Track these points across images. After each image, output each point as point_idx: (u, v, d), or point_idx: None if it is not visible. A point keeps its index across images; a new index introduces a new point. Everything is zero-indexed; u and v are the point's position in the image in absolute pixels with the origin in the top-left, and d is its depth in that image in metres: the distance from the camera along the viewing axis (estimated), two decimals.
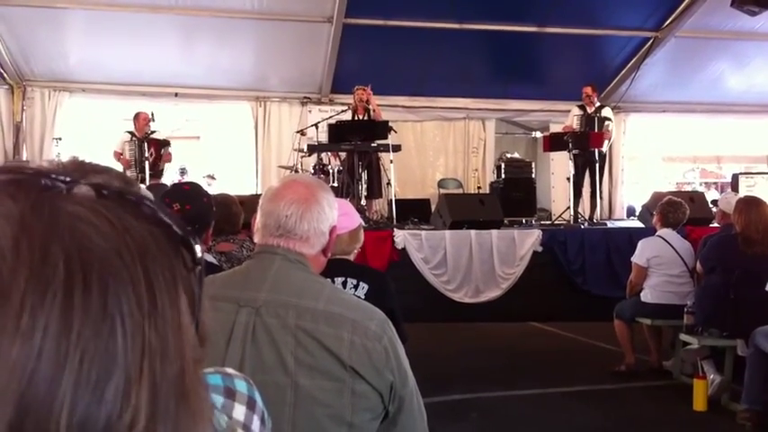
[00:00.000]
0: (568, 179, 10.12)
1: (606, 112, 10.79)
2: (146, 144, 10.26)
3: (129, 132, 10.53)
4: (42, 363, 0.44)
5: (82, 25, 10.47)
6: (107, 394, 0.45)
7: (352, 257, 3.16)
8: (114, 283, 0.47)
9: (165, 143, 10.61)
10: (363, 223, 3.39)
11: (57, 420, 0.44)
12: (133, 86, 11.49)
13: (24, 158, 11.10)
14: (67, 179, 0.52)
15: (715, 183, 18.19)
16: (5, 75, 11.02)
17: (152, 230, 0.51)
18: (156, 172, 10.44)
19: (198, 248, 0.55)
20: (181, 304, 0.51)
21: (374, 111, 10.08)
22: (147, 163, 10.12)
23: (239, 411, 0.96)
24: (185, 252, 0.54)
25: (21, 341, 0.44)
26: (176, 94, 11.77)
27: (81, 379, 0.45)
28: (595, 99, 10.79)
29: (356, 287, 3.03)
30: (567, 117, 11.02)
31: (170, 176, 11.23)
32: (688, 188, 15.68)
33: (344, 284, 3.01)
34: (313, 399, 1.82)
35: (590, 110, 10.69)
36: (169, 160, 10.79)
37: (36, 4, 10.00)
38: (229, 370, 1.01)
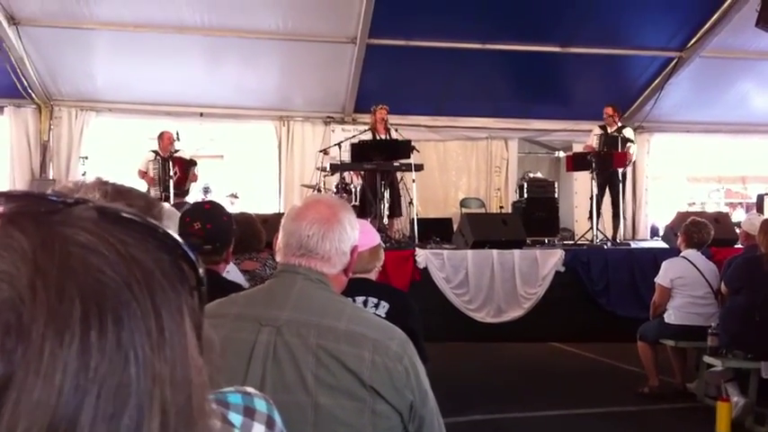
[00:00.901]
0: (591, 199, 10.08)
1: (628, 132, 10.74)
2: (170, 163, 10.34)
3: (154, 151, 10.65)
4: (62, 401, 0.45)
5: (108, 46, 10.61)
6: (122, 426, 0.46)
7: (373, 276, 3.17)
8: (127, 318, 0.48)
9: (192, 163, 10.70)
10: (382, 243, 3.40)
11: None
12: (159, 106, 11.61)
13: (51, 177, 11.24)
14: (70, 201, 0.53)
15: (740, 203, 18.01)
16: (33, 94, 11.17)
17: (156, 256, 0.52)
18: (182, 191, 10.53)
19: (201, 268, 0.56)
20: (186, 330, 0.52)
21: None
22: (171, 182, 10.19)
23: (258, 430, 0.97)
24: (189, 271, 0.55)
25: (42, 382, 0.45)
26: (201, 114, 11.88)
27: (98, 413, 0.46)
28: (617, 119, 10.75)
29: (377, 306, 3.04)
30: (589, 137, 11.00)
31: (194, 195, 11.31)
32: (713, 208, 15.55)
33: (365, 303, 3.01)
34: (333, 418, 1.83)
35: (611, 129, 10.65)
36: (195, 180, 10.89)
37: (63, 25, 10.15)
38: (249, 389, 1.02)
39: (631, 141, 10.66)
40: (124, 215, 0.53)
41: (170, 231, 0.55)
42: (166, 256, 0.53)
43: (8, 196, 0.52)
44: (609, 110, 10.65)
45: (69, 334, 0.46)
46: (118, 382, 0.47)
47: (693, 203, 15.83)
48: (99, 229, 0.51)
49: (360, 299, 2.98)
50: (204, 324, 0.56)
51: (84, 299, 0.47)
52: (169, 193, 10.07)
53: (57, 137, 11.55)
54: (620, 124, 10.77)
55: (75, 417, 0.45)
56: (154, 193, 10.21)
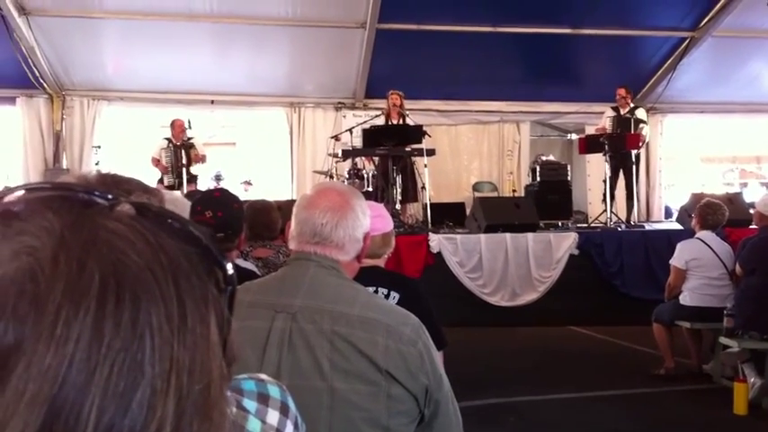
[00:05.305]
0: (604, 181, 10.04)
1: (640, 113, 10.66)
2: (183, 151, 10.37)
3: (167, 139, 10.68)
4: (73, 371, 0.46)
5: (119, 34, 10.64)
6: (133, 405, 0.47)
7: (382, 263, 3.16)
8: (146, 299, 0.49)
9: (190, 146, 10.57)
10: (395, 229, 3.40)
11: (83, 428, 0.45)
12: (170, 94, 11.64)
13: (64, 167, 11.30)
14: (109, 197, 0.54)
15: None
16: (45, 85, 11.21)
17: (186, 249, 0.53)
18: (191, 176, 10.48)
19: (230, 269, 0.57)
20: (210, 322, 0.52)
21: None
22: (184, 169, 10.21)
23: (273, 416, 0.98)
24: (218, 272, 0.55)
25: (54, 349, 0.46)
26: (212, 102, 11.90)
27: (109, 388, 0.46)
28: (630, 100, 10.67)
29: (387, 297, 3.02)
30: (601, 119, 10.95)
31: (205, 183, 11.32)
32: (728, 189, 15.48)
33: (375, 294, 3.00)
34: (349, 403, 1.83)
35: (624, 111, 10.59)
36: (200, 160, 10.70)
37: (73, 15, 10.17)
38: (263, 376, 1.03)
39: (644, 122, 10.60)
40: (158, 211, 0.54)
41: (199, 233, 0.55)
42: (196, 253, 0.53)
43: (54, 186, 0.54)
44: (621, 91, 10.58)
45: (85, 306, 0.47)
46: (131, 360, 0.47)
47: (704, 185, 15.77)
48: (132, 220, 0.52)
49: (370, 289, 2.97)
50: (233, 326, 0.56)
51: (104, 275, 0.48)
52: (182, 179, 10.10)
53: (69, 126, 11.60)
54: (632, 105, 10.69)
55: (85, 388, 0.46)
56: (168, 180, 10.27)
